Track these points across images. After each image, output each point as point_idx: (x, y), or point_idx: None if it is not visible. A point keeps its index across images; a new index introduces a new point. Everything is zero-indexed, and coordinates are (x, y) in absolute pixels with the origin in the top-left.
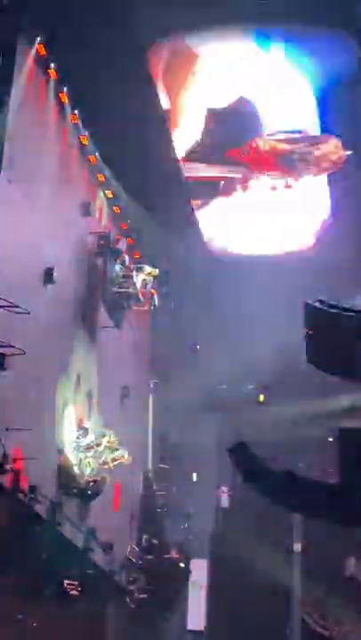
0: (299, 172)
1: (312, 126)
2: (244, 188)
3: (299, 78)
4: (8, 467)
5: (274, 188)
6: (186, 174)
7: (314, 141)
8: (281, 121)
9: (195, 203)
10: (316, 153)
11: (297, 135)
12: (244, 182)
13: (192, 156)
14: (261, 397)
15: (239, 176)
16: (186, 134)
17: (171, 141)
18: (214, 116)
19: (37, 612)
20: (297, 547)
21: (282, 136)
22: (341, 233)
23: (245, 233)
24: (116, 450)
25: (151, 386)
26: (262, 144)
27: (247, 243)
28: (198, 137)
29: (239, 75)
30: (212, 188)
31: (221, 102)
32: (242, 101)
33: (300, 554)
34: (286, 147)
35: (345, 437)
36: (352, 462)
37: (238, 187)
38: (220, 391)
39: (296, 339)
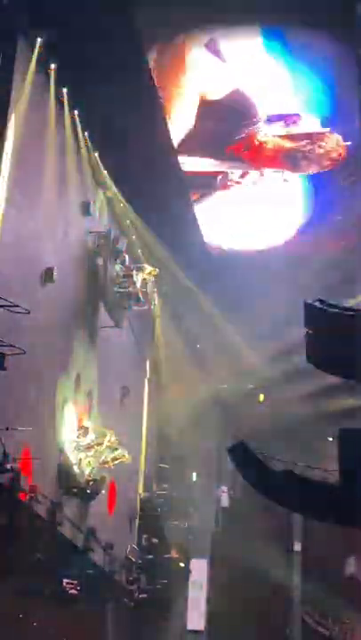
0: (301, 169)
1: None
2: (240, 183)
3: (294, 74)
4: (8, 466)
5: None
6: (184, 169)
7: (316, 138)
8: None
9: (194, 197)
10: (319, 151)
11: (296, 127)
12: (243, 177)
13: (187, 146)
14: (261, 397)
15: (239, 171)
16: (178, 124)
17: (171, 140)
18: (209, 107)
19: (37, 612)
20: (297, 547)
21: (282, 130)
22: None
23: (241, 227)
24: (116, 449)
25: (146, 383)
26: (266, 141)
27: (244, 237)
28: (191, 126)
29: (234, 69)
30: (208, 183)
31: (215, 94)
32: (237, 94)
33: (300, 554)
34: (290, 145)
35: (345, 437)
36: (352, 462)
37: (235, 181)
38: (220, 391)
39: (296, 338)
